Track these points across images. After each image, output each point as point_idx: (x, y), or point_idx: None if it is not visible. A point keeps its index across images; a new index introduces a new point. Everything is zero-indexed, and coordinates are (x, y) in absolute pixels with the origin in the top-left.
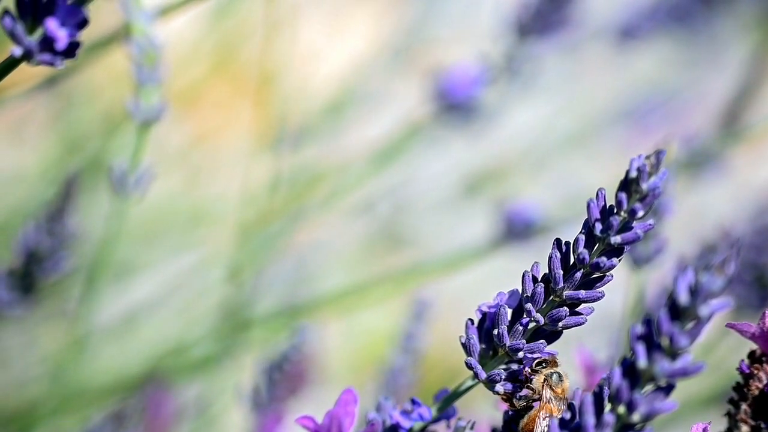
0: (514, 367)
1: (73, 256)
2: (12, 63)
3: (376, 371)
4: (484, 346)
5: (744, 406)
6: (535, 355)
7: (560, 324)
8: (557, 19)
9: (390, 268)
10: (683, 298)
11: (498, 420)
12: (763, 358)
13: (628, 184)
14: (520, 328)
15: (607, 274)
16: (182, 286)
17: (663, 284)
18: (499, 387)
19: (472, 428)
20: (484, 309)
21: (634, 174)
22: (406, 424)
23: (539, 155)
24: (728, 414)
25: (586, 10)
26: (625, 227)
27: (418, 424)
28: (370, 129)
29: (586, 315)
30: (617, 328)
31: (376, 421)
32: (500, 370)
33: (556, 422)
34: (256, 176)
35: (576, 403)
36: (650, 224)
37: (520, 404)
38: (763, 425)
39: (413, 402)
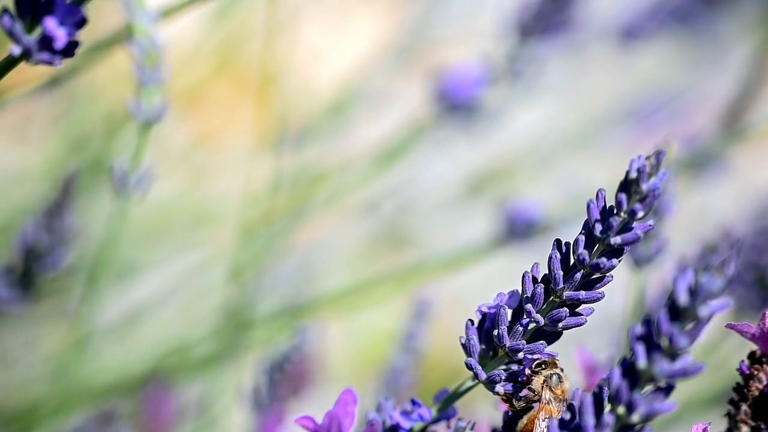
0: (514, 367)
1: (72, 253)
2: (11, 62)
3: (378, 371)
4: (484, 347)
5: (744, 407)
6: (535, 356)
7: (560, 325)
8: (559, 19)
9: (392, 268)
10: (683, 298)
11: (498, 420)
12: (763, 359)
13: (628, 185)
14: (520, 328)
15: (607, 274)
16: (185, 286)
17: (664, 284)
18: (499, 387)
19: (472, 429)
20: (484, 309)
21: (634, 175)
22: (406, 424)
23: (542, 155)
24: (728, 414)
25: (589, 10)
26: (625, 228)
27: (418, 425)
28: (373, 129)
29: (586, 315)
30: (618, 329)
31: (375, 422)
32: (500, 371)
33: (555, 423)
34: (259, 176)
35: (576, 403)
36: (650, 225)
37: (520, 405)
38: (763, 426)
39: (413, 402)
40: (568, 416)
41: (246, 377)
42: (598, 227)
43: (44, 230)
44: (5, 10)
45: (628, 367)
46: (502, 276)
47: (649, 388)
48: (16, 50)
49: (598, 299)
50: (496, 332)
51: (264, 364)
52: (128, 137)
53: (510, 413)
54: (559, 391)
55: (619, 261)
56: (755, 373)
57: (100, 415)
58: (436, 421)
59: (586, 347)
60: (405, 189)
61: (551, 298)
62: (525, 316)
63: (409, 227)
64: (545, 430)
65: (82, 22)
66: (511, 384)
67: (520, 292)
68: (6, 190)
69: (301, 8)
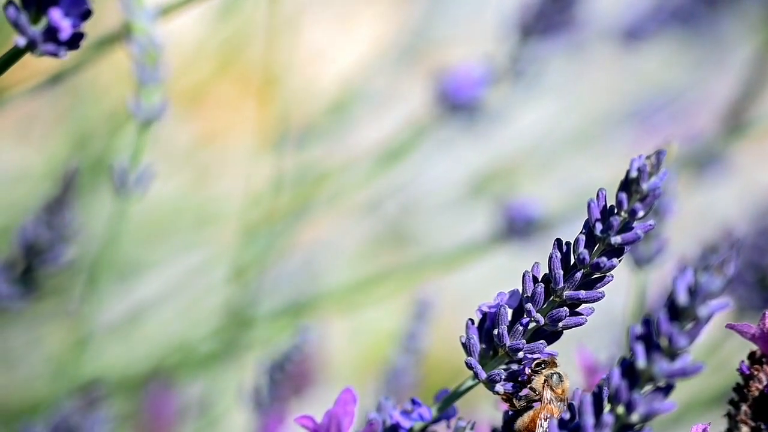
0: (515, 367)
1: (72, 249)
2: (16, 53)
3: (379, 371)
4: (484, 346)
5: (744, 407)
6: (535, 356)
7: (560, 324)
8: (561, 19)
9: (393, 265)
10: (682, 298)
11: (498, 420)
12: (763, 359)
13: (628, 185)
14: (521, 328)
15: (608, 274)
16: (187, 286)
17: (665, 285)
18: (499, 387)
19: (472, 428)
20: (485, 309)
21: (634, 174)
22: (406, 424)
23: (545, 155)
24: (728, 415)
25: (591, 11)
26: (626, 227)
27: (418, 424)
28: (375, 129)
29: (587, 315)
30: (619, 329)
31: (375, 421)
32: (500, 371)
33: (555, 422)
34: (262, 176)
35: (576, 403)
36: (651, 224)
37: (520, 404)
38: (763, 426)
39: (413, 402)
40: (567, 416)
41: (247, 377)
42: (599, 227)
43: (45, 226)
44: (10, 1)
45: (627, 367)
46: (504, 275)
47: (648, 387)
48: (21, 41)
49: (598, 299)
50: (496, 332)
51: (265, 363)
52: (130, 136)
53: (510, 413)
54: (559, 391)
55: (620, 260)
56: (755, 373)
57: (85, 399)
58: (436, 420)
59: (587, 347)
60: (407, 189)
61: (551, 298)
62: (525, 316)
63: (412, 227)
64: (547, 429)
65: (87, 14)
66: (511, 383)
67: (520, 291)
68: (9, 189)
69: (304, 8)
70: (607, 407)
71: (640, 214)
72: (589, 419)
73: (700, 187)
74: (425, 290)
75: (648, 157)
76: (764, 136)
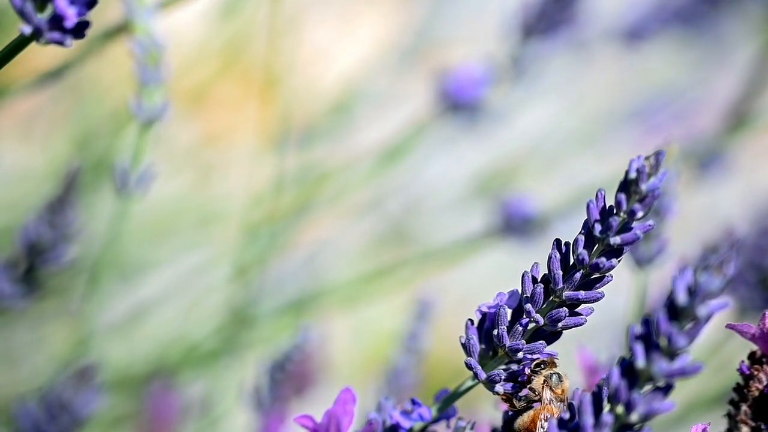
0: (514, 367)
1: (74, 248)
2: (22, 42)
3: (380, 371)
4: (484, 347)
5: (744, 407)
6: (534, 356)
7: (560, 324)
8: (562, 19)
9: (392, 261)
10: (682, 298)
11: (499, 420)
12: (764, 359)
13: (627, 185)
14: (520, 328)
15: (607, 274)
16: (190, 285)
17: (667, 285)
18: (498, 387)
19: (472, 428)
20: (484, 309)
21: (633, 175)
22: (406, 424)
23: (548, 154)
24: (728, 415)
25: (593, 10)
26: (625, 228)
27: (418, 424)
28: (378, 129)
29: (586, 315)
30: (621, 329)
31: (375, 421)
32: (500, 371)
33: (554, 422)
34: (265, 175)
35: (575, 403)
36: (650, 225)
37: (520, 405)
38: (763, 426)
39: (413, 402)
40: (567, 416)
41: (249, 376)
42: (598, 227)
43: (47, 226)
44: None
45: (627, 367)
46: (505, 275)
47: (648, 387)
48: (26, 29)
49: (597, 299)
50: (495, 332)
51: (266, 363)
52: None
53: (510, 413)
54: (559, 391)
55: (619, 261)
56: (755, 373)
57: (79, 372)
58: (436, 420)
59: (587, 347)
60: (409, 189)
61: (551, 298)
62: (525, 316)
63: (414, 227)
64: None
65: (92, 2)
66: (511, 384)
67: (519, 291)
68: (11, 189)
69: (307, 8)
70: (606, 407)
71: (639, 214)
72: (588, 419)
73: (703, 187)
74: (426, 290)
75: (647, 158)
76: (766, 131)
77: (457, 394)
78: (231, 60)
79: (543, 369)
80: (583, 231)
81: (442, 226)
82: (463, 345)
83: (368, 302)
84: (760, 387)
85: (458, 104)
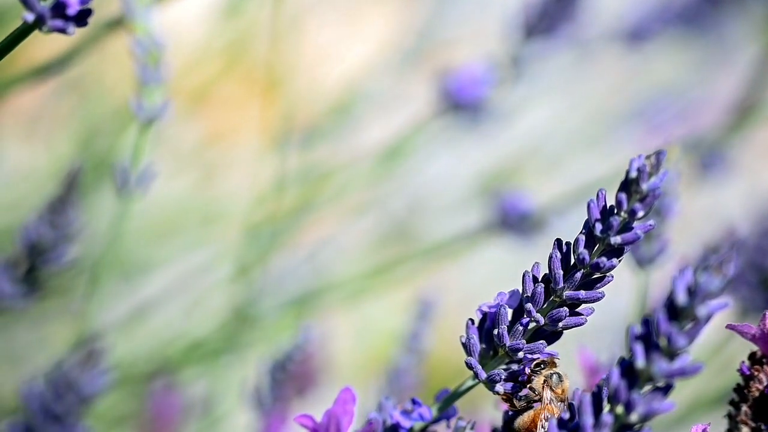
0: (515, 367)
1: (75, 248)
2: (25, 30)
3: (382, 371)
4: (484, 346)
5: (744, 408)
6: (535, 356)
7: (560, 324)
8: (564, 19)
9: (390, 259)
10: (681, 298)
11: (500, 420)
12: (764, 360)
13: (628, 185)
14: (521, 328)
15: (608, 274)
16: (192, 284)
17: (668, 285)
18: (499, 387)
19: (472, 428)
20: (485, 309)
21: (634, 174)
22: (406, 423)
23: (551, 154)
24: (729, 415)
25: (596, 11)
26: (625, 228)
27: (418, 424)
28: (381, 129)
29: (587, 315)
30: (622, 329)
31: (375, 421)
32: (500, 371)
33: (554, 422)
34: (268, 175)
35: (575, 403)
36: (650, 225)
37: (520, 404)
38: (763, 427)
39: (414, 402)
40: (567, 416)
41: (251, 376)
42: (599, 227)
43: (48, 225)
44: None
45: (626, 367)
46: (507, 275)
47: (648, 387)
48: (29, 17)
49: (598, 299)
50: (496, 332)
51: (267, 363)
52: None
53: (510, 413)
54: (559, 391)
55: (620, 261)
56: (755, 374)
57: (86, 353)
58: (436, 420)
59: (588, 348)
60: (412, 188)
61: (551, 298)
62: (525, 316)
63: (417, 226)
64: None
65: None
66: (511, 383)
67: (520, 291)
68: (15, 188)
69: (310, 9)
70: (606, 407)
71: (640, 214)
72: (588, 419)
73: (706, 187)
74: (428, 289)
75: (648, 157)
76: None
77: (457, 394)
78: (234, 60)
79: (543, 369)
80: (583, 230)
81: (444, 226)
82: (464, 345)
83: (370, 300)
84: (761, 387)
85: (460, 104)
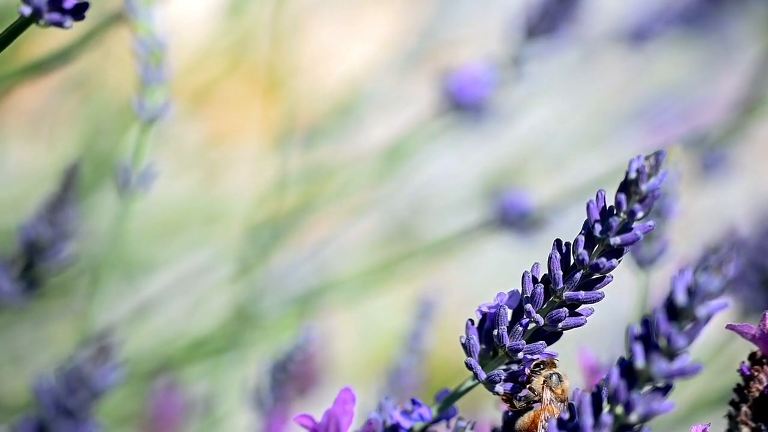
0: (514, 367)
1: (73, 245)
2: (22, 23)
3: (383, 371)
4: (484, 347)
5: (744, 408)
6: (534, 356)
7: (560, 325)
8: (566, 20)
9: (389, 257)
10: (681, 298)
11: (500, 420)
12: (764, 360)
13: (627, 185)
14: (520, 328)
15: (607, 275)
16: (195, 283)
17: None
18: (498, 387)
19: (472, 429)
20: (485, 309)
21: (633, 175)
22: (406, 424)
23: (554, 154)
24: (729, 416)
25: (598, 11)
26: (625, 228)
27: (418, 424)
28: (383, 129)
29: (586, 316)
30: (624, 330)
31: (375, 421)
32: (500, 371)
33: (554, 422)
34: (271, 175)
35: (575, 403)
36: (650, 225)
37: (520, 405)
38: (763, 427)
39: (414, 402)
40: (567, 416)
41: (252, 375)
42: (598, 227)
43: (46, 223)
44: None
45: (626, 367)
46: (510, 276)
47: (648, 388)
48: (26, 10)
49: (597, 299)
50: (496, 332)
51: (267, 363)
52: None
53: (510, 413)
54: (559, 391)
55: (619, 261)
56: (756, 374)
57: (98, 350)
58: (436, 420)
59: (588, 348)
60: (415, 189)
61: (551, 298)
62: (525, 316)
63: (419, 226)
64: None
65: None
66: (511, 384)
67: (520, 292)
68: (18, 188)
69: (312, 9)
70: (606, 407)
71: (639, 215)
72: (587, 419)
73: (708, 187)
74: (429, 290)
75: (647, 158)
76: None
77: (457, 395)
78: (236, 60)
79: (543, 369)
80: (583, 231)
81: (447, 226)
82: (464, 345)
83: (372, 300)
84: (761, 388)
85: (462, 104)
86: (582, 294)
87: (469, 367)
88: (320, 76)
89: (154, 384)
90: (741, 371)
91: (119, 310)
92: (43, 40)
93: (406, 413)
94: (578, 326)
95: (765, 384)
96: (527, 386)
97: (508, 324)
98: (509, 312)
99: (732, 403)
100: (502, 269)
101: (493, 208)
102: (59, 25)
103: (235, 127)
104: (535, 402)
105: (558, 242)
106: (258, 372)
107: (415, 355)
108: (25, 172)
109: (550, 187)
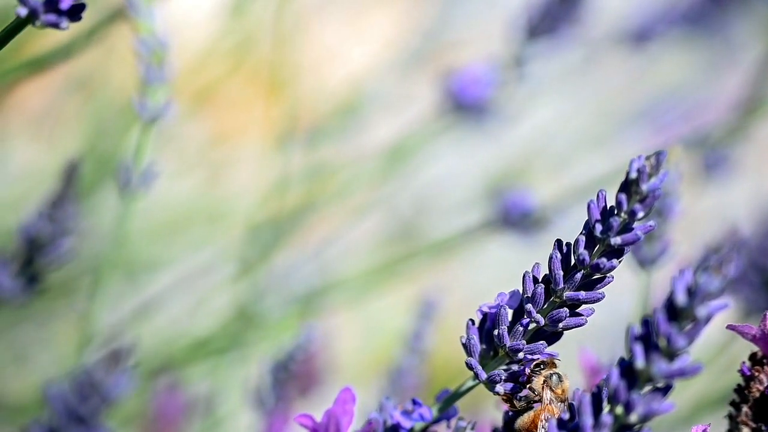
0: (515, 367)
1: (73, 241)
2: (18, 24)
3: (384, 371)
4: (484, 347)
5: (745, 408)
6: (535, 356)
7: (560, 325)
8: (569, 20)
9: (390, 256)
10: (681, 298)
11: (500, 420)
12: (764, 361)
13: (628, 185)
14: (521, 328)
15: (608, 275)
16: (197, 283)
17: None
18: (499, 387)
19: (472, 429)
20: (485, 309)
21: (634, 175)
22: (406, 424)
23: (557, 154)
24: (729, 416)
25: (601, 11)
26: (626, 228)
27: (419, 425)
28: (386, 129)
29: (587, 316)
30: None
31: (375, 421)
32: (500, 371)
33: (554, 422)
34: (273, 174)
35: (575, 403)
36: (651, 225)
37: (520, 405)
38: (763, 427)
39: (414, 402)
40: (567, 416)
41: (253, 375)
42: (599, 227)
43: (46, 220)
44: None
45: (626, 367)
46: (512, 276)
47: (648, 388)
48: (22, 11)
49: (598, 299)
50: (496, 332)
51: (269, 363)
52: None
53: (510, 413)
54: (559, 391)
55: (620, 261)
56: (756, 374)
57: (110, 354)
58: (436, 420)
59: (589, 348)
60: (418, 189)
61: (552, 299)
62: (525, 316)
63: (423, 225)
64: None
65: None
66: (512, 384)
67: (520, 292)
68: (20, 187)
69: (316, 9)
70: (606, 407)
71: (640, 215)
72: (587, 419)
73: (710, 188)
74: (431, 290)
75: (648, 158)
76: None
77: (457, 395)
78: (239, 60)
79: (543, 369)
80: (584, 231)
81: (450, 225)
82: (464, 345)
83: (375, 299)
84: (761, 388)
85: (465, 104)
86: (583, 294)
87: (470, 367)
88: (323, 76)
89: (156, 383)
90: (741, 372)
91: (121, 310)
92: (45, 37)
93: (406, 413)
94: (579, 326)
95: (765, 384)
96: (527, 386)
97: (508, 324)
98: (510, 312)
99: (732, 403)
100: (504, 269)
101: (496, 208)
102: (55, 26)
103: (238, 127)
104: (536, 402)
105: (559, 242)
106: (260, 372)
107: (416, 354)
108: (27, 172)
109: (553, 187)
